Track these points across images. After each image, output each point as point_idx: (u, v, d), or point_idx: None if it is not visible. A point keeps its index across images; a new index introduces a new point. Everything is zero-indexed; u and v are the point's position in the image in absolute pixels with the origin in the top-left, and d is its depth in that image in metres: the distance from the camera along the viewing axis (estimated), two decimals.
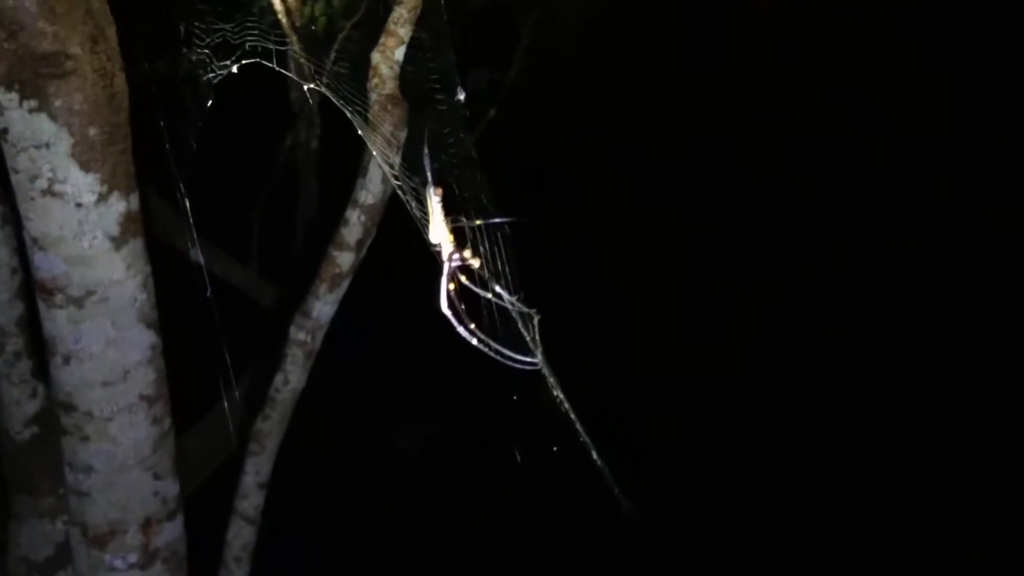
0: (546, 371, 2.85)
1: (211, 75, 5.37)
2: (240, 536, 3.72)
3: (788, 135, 8.16)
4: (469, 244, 2.90)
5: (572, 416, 2.95)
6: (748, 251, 8.20)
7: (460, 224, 2.87)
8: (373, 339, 6.49)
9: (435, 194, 2.96)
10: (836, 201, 8.19)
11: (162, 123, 3.64)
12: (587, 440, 3.01)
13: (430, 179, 2.93)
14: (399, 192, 2.94)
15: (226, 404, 4.04)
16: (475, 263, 2.86)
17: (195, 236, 3.58)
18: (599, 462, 3.06)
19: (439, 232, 2.86)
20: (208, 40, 5.24)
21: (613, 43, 7.22)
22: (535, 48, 6.11)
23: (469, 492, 6.81)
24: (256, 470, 3.64)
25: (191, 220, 3.49)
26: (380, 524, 6.63)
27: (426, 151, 2.96)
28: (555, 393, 2.97)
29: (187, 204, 3.51)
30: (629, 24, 7.41)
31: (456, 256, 2.83)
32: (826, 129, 8.10)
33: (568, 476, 6.67)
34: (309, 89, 5.72)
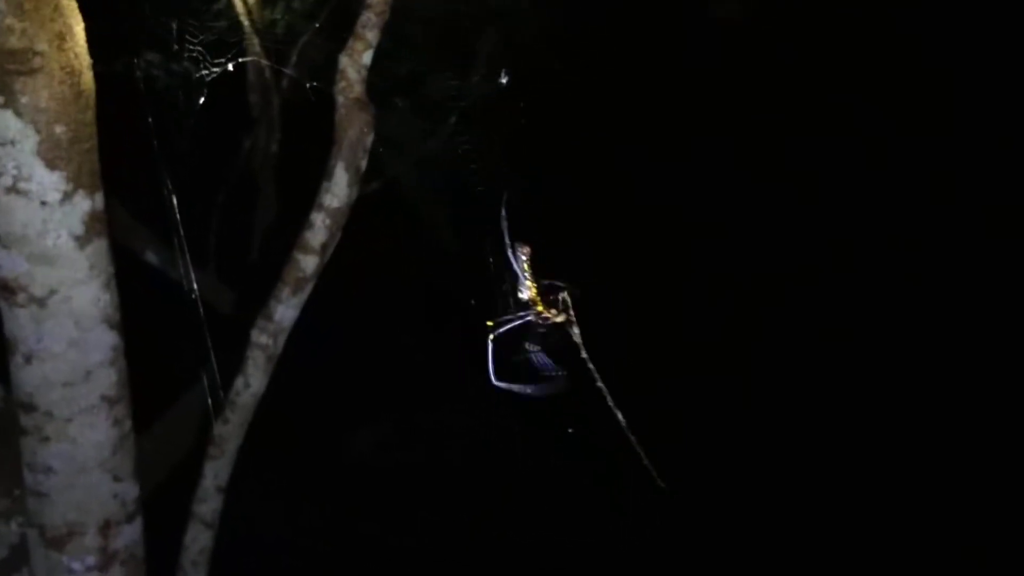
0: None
1: (171, 79, 5.38)
2: (198, 540, 3.69)
3: (787, 135, 8.18)
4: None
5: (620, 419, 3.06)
6: (747, 251, 8.23)
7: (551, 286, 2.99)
8: (333, 342, 6.48)
9: (523, 254, 3.05)
10: (836, 201, 8.22)
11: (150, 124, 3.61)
12: (628, 435, 3.10)
13: (508, 238, 3.02)
14: None
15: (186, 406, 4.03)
16: (560, 318, 2.97)
17: (183, 242, 3.56)
18: (641, 454, 3.15)
19: (527, 291, 2.98)
20: (169, 42, 5.25)
21: (610, 42, 7.20)
22: (530, 49, 6.13)
23: (427, 494, 6.82)
24: (215, 474, 3.61)
25: (179, 227, 3.47)
26: (338, 527, 6.62)
27: (504, 213, 3.03)
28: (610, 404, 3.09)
29: (174, 208, 3.49)
30: (627, 23, 7.40)
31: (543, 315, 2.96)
32: (826, 129, 8.13)
33: (531, 476, 6.78)
34: (269, 93, 5.75)
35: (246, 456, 3.69)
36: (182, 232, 3.53)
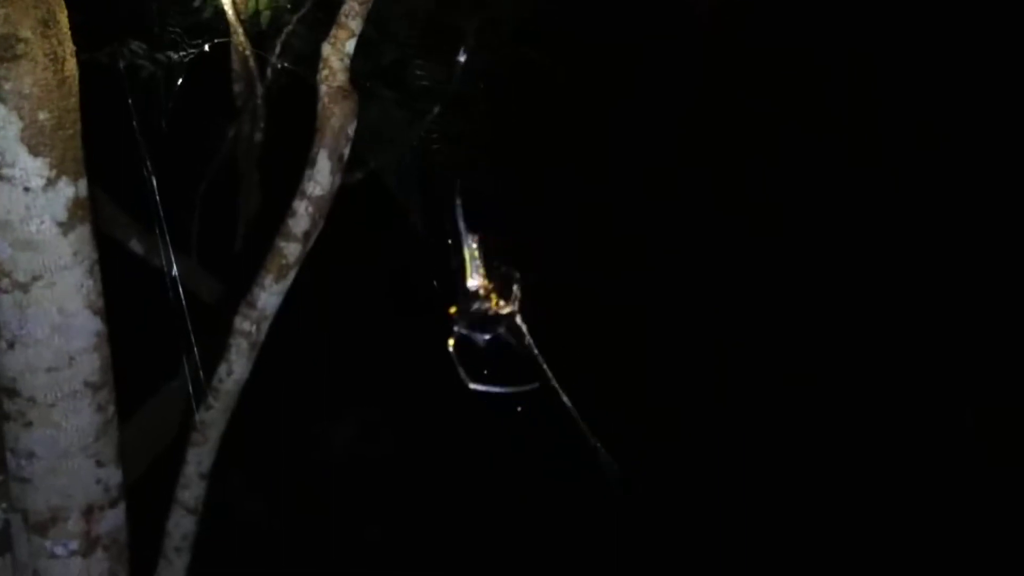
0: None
1: (155, 67, 5.37)
2: (181, 526, 3.71)
3: (759, 161, 8.26)
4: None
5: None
6: (716, 239, 8.27)
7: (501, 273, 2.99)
8: (311, 331, 6.49)
9: (473, 241, 3.06)
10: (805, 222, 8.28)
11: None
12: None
13: (462, 226, 3.03)
14: None
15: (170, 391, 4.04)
16: (508, 309, 2.98)
17: (163, 225, 3.57)
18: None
19: (476, 279, 2.99)
20: (152, 32, 5.25)
21: (593, 33, 7.20)
22: (512, 39, 6.13)
23: (401, 484, 6.84)
24: (198, 460, 3.62)
25: (159, 211, 3.48)
26: (316, 515, 6.63)
27: (458, 201, 3.04)
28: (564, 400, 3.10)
29: (154, 193, 3.50)
30: (609, 14, 7.39)
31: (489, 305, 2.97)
32: (795, 157, 8.21)
33: (500, 468, 6.82)
34: (253, 82, 5.75)
35: (229, 444, 3.71)
36: (162, 216, 3.53)
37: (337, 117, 3.18)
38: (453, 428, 6.93)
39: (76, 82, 2.70)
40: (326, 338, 7.15)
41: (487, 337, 3.08)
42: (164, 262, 3.90)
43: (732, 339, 7.95)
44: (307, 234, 3.31)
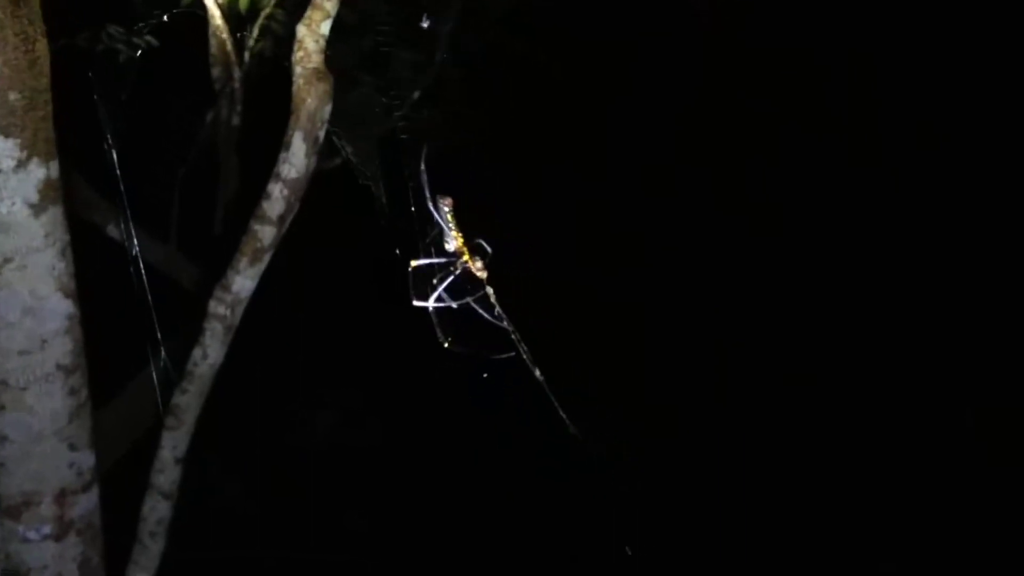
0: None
1: (132, 51, 5.34)
2: (156, 511, 3.68)
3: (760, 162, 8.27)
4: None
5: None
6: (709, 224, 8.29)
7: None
8: (290, 315, 6.49)
9: (446, 205, 3.07)
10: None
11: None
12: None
13: (427, 193, 3.04)
14: None
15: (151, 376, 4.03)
16: (483, 274, 3.01)
17: (125, 203, 3.55)
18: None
19: (453, 242, 3.01)
20: (129, 13, 5.21)
21: (575, 20, 7.17)
22: (494, 24, 6.11)
23: (380, 470, 6.84)
24: (173, 445, 3.60)
25: (121, 189, 3.46)
26: (295, 501, 6.63)
27: (423, 167, 3.05)
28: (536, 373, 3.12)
29: (116, 172, 3.48)
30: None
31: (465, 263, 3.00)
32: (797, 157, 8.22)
33: (480, 454, 6.82)
34: (231, 66, 5.71)
35: (208, 430, 3.70)
36: (124, 193, 3.51)
37: (312, 99, 3.16)
38: (437, 415, 6.95)
39: (47, 62, 2.68)
40: (312, 325, 7.15)
41: (464, 300, 3.11)
42: (124, 235, 3.88)
43: (730, 337, 7.97)
44: (282, 217, 3.29)
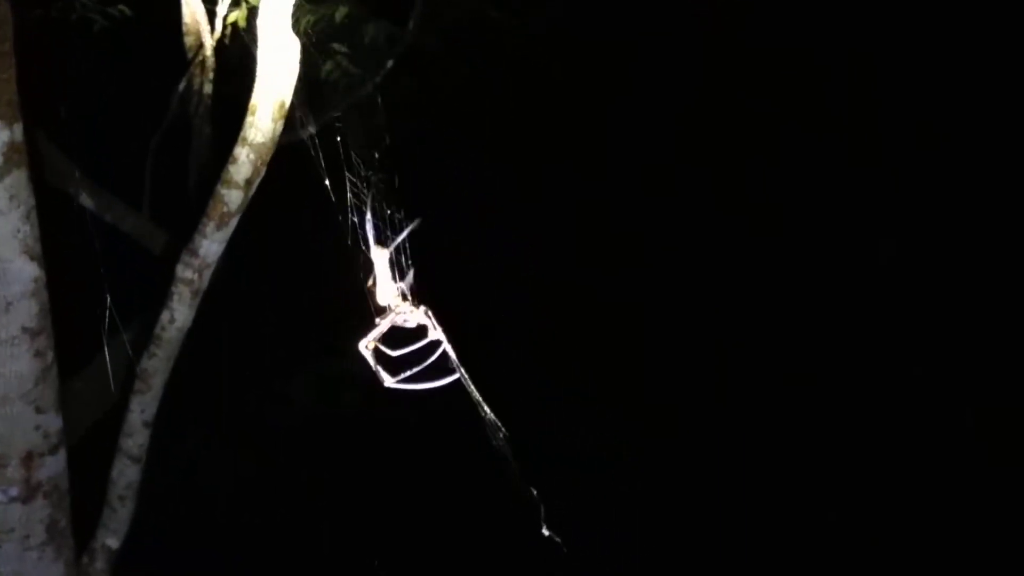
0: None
1: (105, 21, 5.32)
2: (124, 475, 3.71)
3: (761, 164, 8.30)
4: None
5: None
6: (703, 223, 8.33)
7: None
8: (261, 285, 6.49)
9: (381, 256, 3.11)
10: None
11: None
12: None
13: (372, 243, 3.07)
14: None
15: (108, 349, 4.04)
16: (419, 319, 3.04)
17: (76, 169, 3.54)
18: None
19: (387, 293, 3.04)
20: None
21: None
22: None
23: (357, 443, 6.85)
24: (141, 408, 3.62)
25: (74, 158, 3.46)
26: (267, 473, 6.65)
27: (368, 216, 3.08)
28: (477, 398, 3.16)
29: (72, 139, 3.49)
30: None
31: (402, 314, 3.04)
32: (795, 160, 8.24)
33: (459, 434, 6.83)
34: (204, 35, 5.70)
35: (175, 399, 3.72)
36: (87, 160, 3.52)
37: (277, 64, 3.17)
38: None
39: (10, 25, 2.67)
40: (289, 288, 7.15)
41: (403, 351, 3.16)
42: (94, 203, 3.88)
43: (730, 336, 8.02)
44: (249, 181, 3.30)
